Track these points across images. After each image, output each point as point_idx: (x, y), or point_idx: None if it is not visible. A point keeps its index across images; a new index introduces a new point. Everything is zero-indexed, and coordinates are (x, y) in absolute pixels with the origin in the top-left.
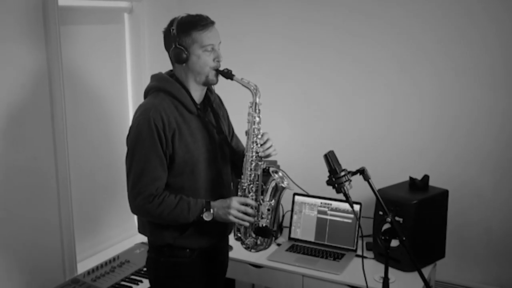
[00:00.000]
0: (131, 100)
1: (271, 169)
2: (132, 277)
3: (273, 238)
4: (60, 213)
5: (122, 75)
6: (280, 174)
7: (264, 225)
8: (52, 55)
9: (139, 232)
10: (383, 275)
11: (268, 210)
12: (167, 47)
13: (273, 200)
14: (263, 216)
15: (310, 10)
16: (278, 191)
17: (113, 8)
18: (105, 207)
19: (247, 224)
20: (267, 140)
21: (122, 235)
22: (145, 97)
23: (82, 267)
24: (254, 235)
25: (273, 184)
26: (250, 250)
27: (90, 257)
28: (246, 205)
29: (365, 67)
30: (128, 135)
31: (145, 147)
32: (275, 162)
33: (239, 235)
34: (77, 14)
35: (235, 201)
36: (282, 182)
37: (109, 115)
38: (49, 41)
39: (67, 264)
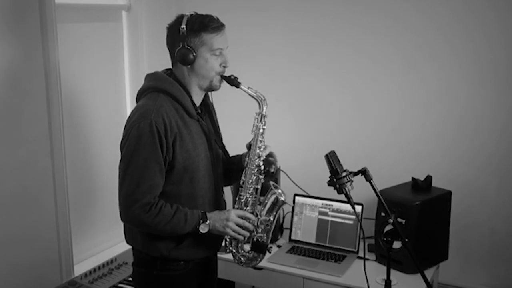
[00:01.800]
0: (128, 100)
1: (271, 183)
2: (130, 279)
3: (269, 253)
4: (57, 214)
5: (120, 74)
6: (280, 190)
7: (261, 240)
8: (48, 53)
9: (127, 243)
10: (385, 277)
11: (267, 225)
12: (172, 45)
13: (271, 216)
14: (258, 230)
15: (312, 5)
16: (277, 205)
17: (110, 6)
18: (103, 208)
19: (242, 238)
20: (269, 153)
21: (120, 237)
22: (138, 97)
23: (79, 269)
24: (246, 250)
25: (273, 198)
26: (242, 265)
27: (87, 258)
28: (244, 218)
29: (368, 66)
30: (123, 139)
31: (145, 151)
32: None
33: (231, 249)
34: (74, 11)
35: (233, 214)
36: (282, 196)
37: (106, 115)
38: (46, 39)
39: (64, 266)
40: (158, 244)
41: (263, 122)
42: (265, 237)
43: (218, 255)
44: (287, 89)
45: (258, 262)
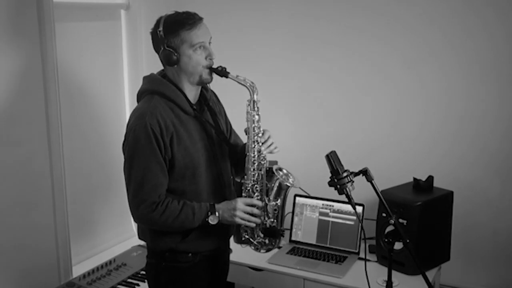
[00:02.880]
0: (127, 99)
1: (274, 167)
2: (129, 280)
3: (282, 237)
4: (55, 215)
5: (119, 74)
6: (285, 171)
7: (272, 225)
8: (46, 53)
9: (139, 238)
10: (386, 278)
11: (275, 210)
12: (156, 48)
13: (278, 200)
14: (269, 215)
15: (313, 6)
16: (282, 189)
17: (109, 5)
18: (101, 208)
19: (253, 225)
20: (268, 137)
21: (118, 238)
22: (138, 100)
23: (78, 270)
24: (262, 235)
25: (277, 183)
26: (260, 251)
27: (86, 260)
28: (252, 205)
29: (368, 65)
30: (124, 142)
31: (144, 154)
32: (276, 162)
33: (246, 236)
34: (72, 10)
35: (240, 202)
36: (287, 180)
37: (105, 115)
38: (44, 39)
39: (62, 267)
40: (165, 238)
41: (256, 109)
42: (276, 222)
43: None
44: (287, 89)
45: (275, 246)
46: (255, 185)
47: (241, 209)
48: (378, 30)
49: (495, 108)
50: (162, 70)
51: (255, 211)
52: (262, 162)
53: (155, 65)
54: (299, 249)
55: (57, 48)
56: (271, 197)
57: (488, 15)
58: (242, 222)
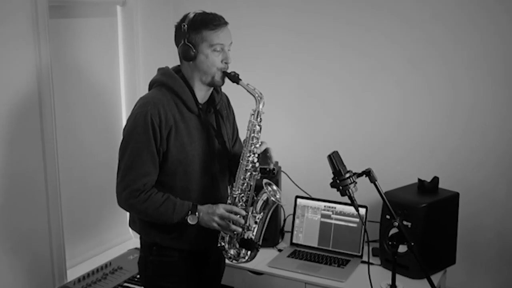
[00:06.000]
0: (124, 97)
1: (264, 181)
2: (125, 284)
3: (257, 252)
4: (49, 217)
5: (115, 71)
6: (274, 187)
7: (249, 237)
8: (40, 50)
9: (130, 226)
10: (390, 282)
11: (256, 222)
12: (177, 42)
13: (262, 213)
14: (249, 227)
15: (314, 3)
16: (268, 204)
17: (105, 1)
18: (97, 210)
19: (230, 233)
20: (265, 150)
21: (114, 240)
22: (149, 89)
23: (72, 274)
24: (238, 246)
25: (264, 197)
26: (232, 261)
27: (81, 263)
28: (233, 213)
29: (371, 63)
30: (125, 126)
31: (139, 141)
32: (276, 163)
33: (222, 244)
34: (68, 7)
35: (221, 208)
36: (274, 197)
37: (101, 113)
38: (37, 35)
39: (56, 271)
40: (152, 231)
41: (259, 119)
42: (254, 235)
43: None
44: (288, 88)
45: (247, 259)
46: (242, 195)
47: (221, 215)
48: (381, 27)
49: (503, 108)
50: (178, 65)
51: (234, 218)
52: (254, 173)
53: (151, 61)
54: (300, 252)
55: (51, 45)
56: (255, 210)
57: (497, 10)
58: (219, 228)
